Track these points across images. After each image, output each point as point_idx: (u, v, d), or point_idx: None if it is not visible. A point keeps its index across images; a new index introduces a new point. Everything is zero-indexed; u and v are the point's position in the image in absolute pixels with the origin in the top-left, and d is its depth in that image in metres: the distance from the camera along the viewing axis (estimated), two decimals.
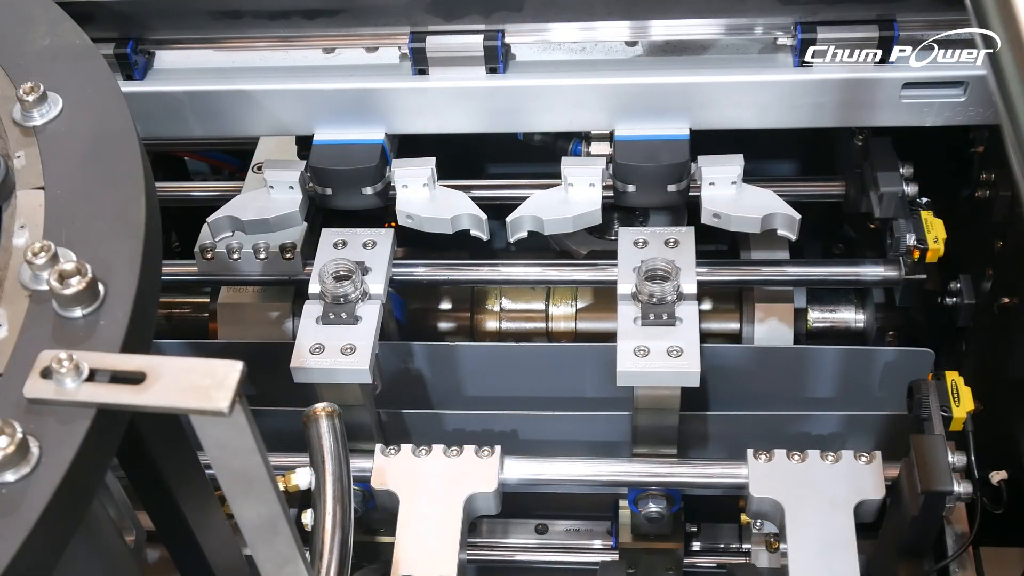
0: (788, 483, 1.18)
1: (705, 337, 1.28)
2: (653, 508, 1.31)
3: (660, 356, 1.19)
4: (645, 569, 1.38)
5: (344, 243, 1.35)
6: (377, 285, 1.30)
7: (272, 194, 1.35)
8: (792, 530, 1.15)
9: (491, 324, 1.59)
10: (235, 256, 1.39)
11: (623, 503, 1.40)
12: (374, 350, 1.24)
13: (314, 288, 1.29)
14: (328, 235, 1.37)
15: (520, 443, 1.39)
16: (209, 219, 1.35)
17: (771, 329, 1.46)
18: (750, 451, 1.21)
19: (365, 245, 1.35)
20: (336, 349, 1.23)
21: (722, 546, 1.50)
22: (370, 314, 1.26)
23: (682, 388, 1.24)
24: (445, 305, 1.60)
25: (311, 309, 1.27)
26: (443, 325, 1.60)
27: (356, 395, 1.27)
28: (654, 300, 1.24)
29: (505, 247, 1.88)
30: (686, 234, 1.33)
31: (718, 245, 1.76)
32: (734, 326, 1.50)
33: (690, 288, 1.26)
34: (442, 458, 1.24)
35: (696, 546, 1.50)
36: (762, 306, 1.47)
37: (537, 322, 1.58)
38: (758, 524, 1.40)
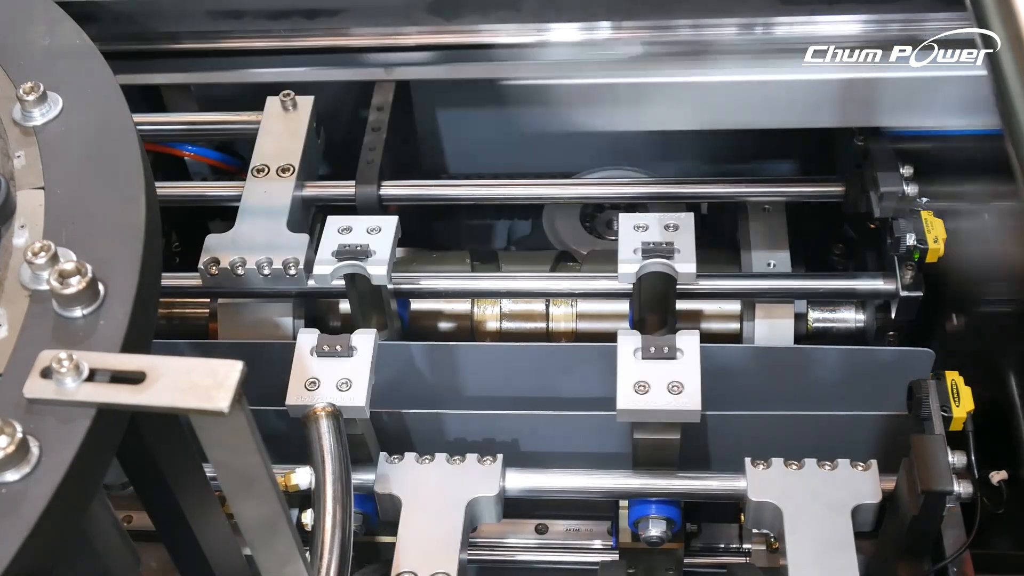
0: (786, 489, 1.19)
1: (706, 338, 1.28)
2: (653, 533, 1.30)
3: (661, 392, 1.19)
4: (645, 569, 1.38)
5: (349, 229, 1.36)
6: (380, 267, 1.31)
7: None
8: (791, 532, 1.16)
9: (491, 324, 1.59)
10: (239, 272, 1.39)
11: (623, 503, 1.40)
12: (370, 383, 1.23)
13: (323, 270, 1.32)
14: (333, 222, 1.38)
15: (520, 444, 1.39)
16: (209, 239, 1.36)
17: (772, 328, 1.46)
18: (748, 460, 1.22)
19: (369, 231, 1.36)
20: (332, 384, 1.22)
21: (722, 546, 1.50)
22: (365, 345, 1.26)
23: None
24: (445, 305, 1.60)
25: (305, 340, 1.27)
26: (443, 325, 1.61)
27: (355, 425, 1.27)
28: None
29: (506, 246, 1.90)
30: (685, 219, 1.34)
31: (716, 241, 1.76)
32: (735, 326, 1.50)
33: (689, 268, 1.29)
34: (445, 465, 1.25)
35: (696, 546, 1.50)
36: (763, 306, 1.47)
37: (537, 322, 1.58)
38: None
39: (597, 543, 1.49)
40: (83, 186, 0.85)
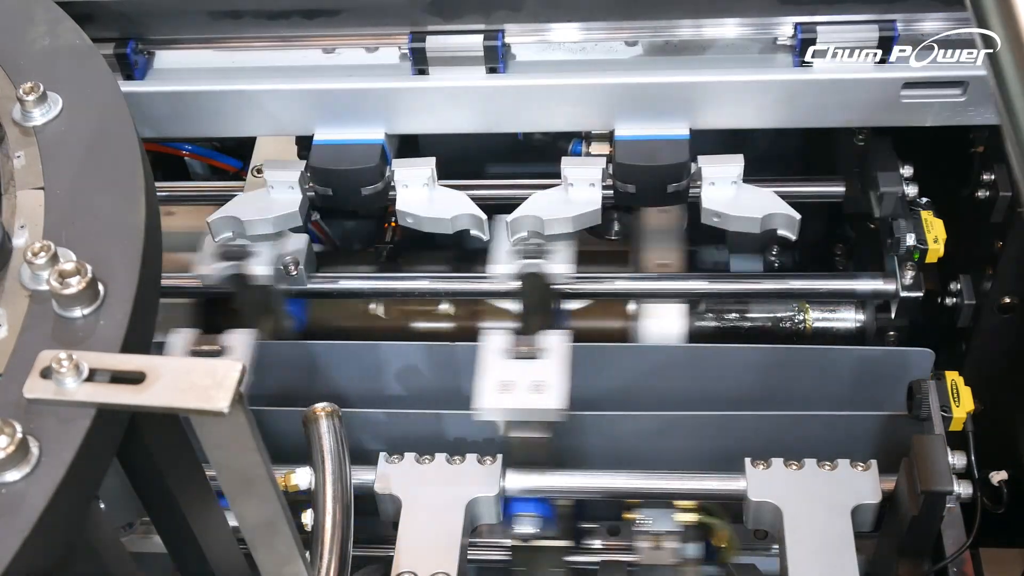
0: (786, 489, 1.19)
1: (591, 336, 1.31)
2: (528, 529, 1.31)
3: (524, 391, 1.20)
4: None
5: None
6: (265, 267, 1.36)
7: (272, 194, 1.35)
8: (791, 532, 1.16)
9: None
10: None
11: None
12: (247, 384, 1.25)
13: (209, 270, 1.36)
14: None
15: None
16: (209, 218, 1.35)
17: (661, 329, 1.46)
18: (748, 460, 1.22)
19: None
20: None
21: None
22: (240, 346, 1.28)
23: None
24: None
25: (177, 340, 1.29)
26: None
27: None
28: None
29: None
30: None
31: (718, 246, 1.76)
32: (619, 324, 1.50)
33: (565, 268, 1.35)
34: (445, 465, 1.25)
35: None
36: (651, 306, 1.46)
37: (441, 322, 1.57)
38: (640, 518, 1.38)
39: (597, 543, 1.49)
40: (83, 186, 0.85)
